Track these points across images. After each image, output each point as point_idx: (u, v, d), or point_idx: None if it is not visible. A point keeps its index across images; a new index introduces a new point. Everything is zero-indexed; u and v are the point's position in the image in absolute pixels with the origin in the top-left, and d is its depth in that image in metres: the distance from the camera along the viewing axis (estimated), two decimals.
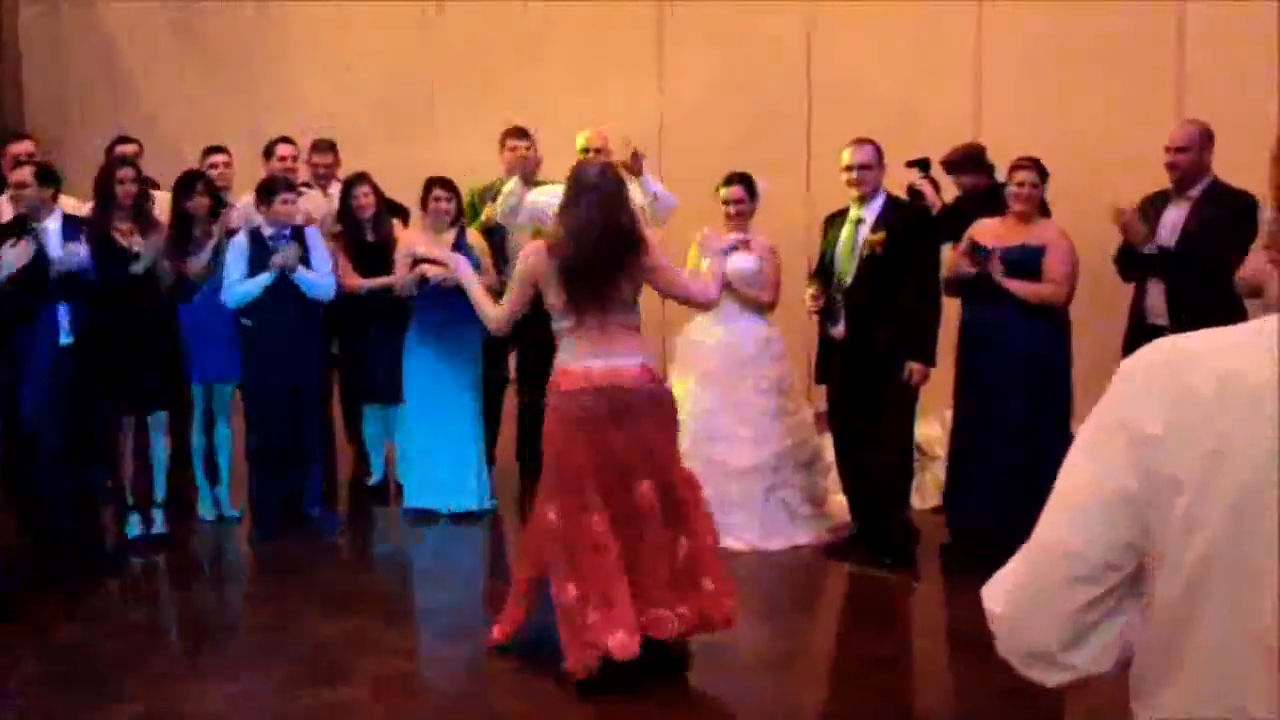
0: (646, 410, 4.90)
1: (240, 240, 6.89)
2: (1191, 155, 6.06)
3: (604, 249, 4.84)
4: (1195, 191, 6.08)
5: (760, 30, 9.28)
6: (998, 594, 1.80)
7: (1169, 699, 1.61)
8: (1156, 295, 6.10)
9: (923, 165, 6.77)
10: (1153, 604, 1.61)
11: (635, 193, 6.36)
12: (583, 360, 4.89)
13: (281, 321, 6.83)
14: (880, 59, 8.76)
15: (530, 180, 7.24)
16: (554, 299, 4.95)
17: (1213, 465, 1.51)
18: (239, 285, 6.80)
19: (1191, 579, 1.54)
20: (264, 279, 6.76)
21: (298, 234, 6.95)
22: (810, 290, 6.33)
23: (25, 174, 6.39)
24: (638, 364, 4.91)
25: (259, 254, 6.82)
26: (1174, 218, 6.10)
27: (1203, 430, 1.53)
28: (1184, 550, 1.54)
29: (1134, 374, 1.63)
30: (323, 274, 6.96)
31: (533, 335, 6.45)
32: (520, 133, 7.69)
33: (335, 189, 7.96)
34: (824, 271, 6.36)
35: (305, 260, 6.89)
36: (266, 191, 6.99)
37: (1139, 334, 6.14)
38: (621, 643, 4.76)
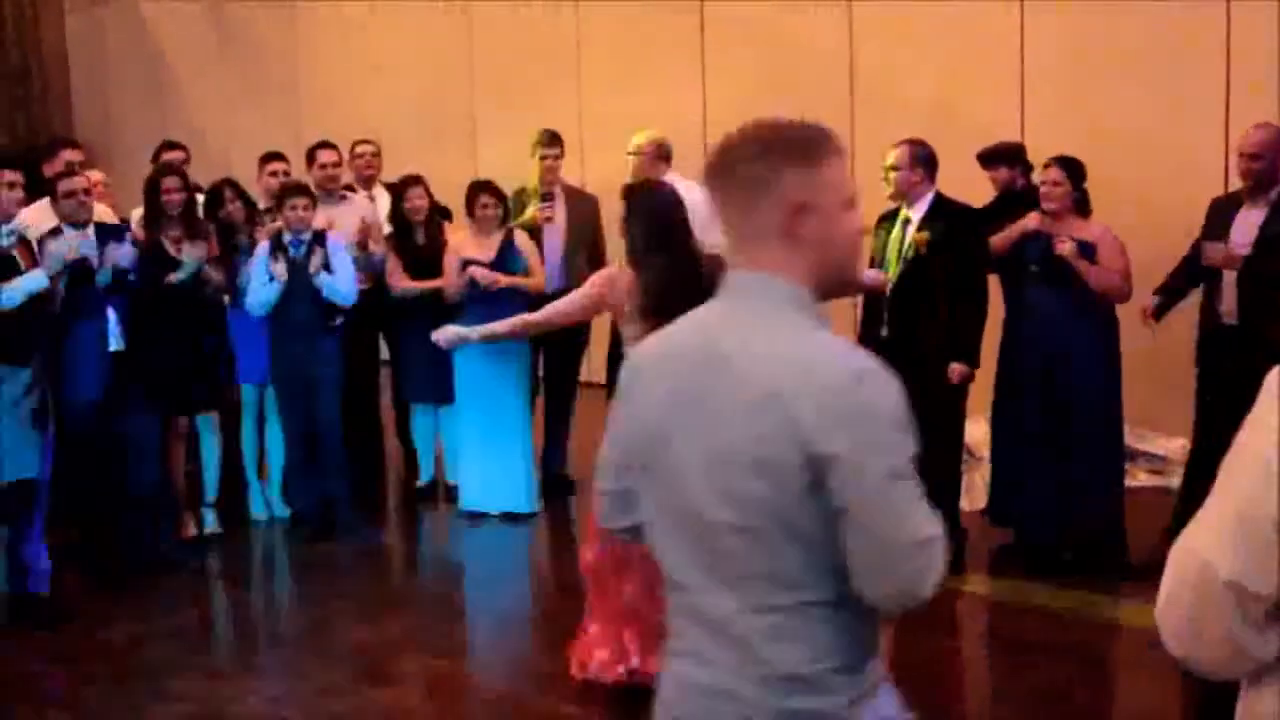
0: None
1: (261, 249, 6.94)
2: (1265, 162, 5.92)
3: (693, 280, 4.52)
4: (1274, 194, 5.95)
5: (802, 30, 9.25)
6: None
7: None
8: (1231, 295, 6.02)
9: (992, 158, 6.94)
10: None
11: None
12: None
13: (297, 323, 6.87)
14: (922, 58, 8.72)
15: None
16: (633, 328, 4.67)
17: None
18: (257, 292, 6.87)
19: None
20: (274, 287, 6.83)
21: (318, 239, 6.95)
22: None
23: (83, 181, 6.46)
24: None
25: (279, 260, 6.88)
26: (1252, 220, 5.98)
27: None
28: None
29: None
30: (343, 279, 6.95)
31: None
32: (552, 140, 7.61)
33: (378, 191, 7.97)
34: None
35: (326, 265, 6.87)
36: (280, 198, 7.01)
37: (1213, 334, 6.12)
38: (601, 662, 4.75)
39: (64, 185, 6.38)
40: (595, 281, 4.91)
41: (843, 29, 9.17)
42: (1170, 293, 6.41)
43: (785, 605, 2.00)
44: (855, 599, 1.99)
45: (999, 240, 6.31)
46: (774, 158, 2.05)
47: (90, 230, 6.38)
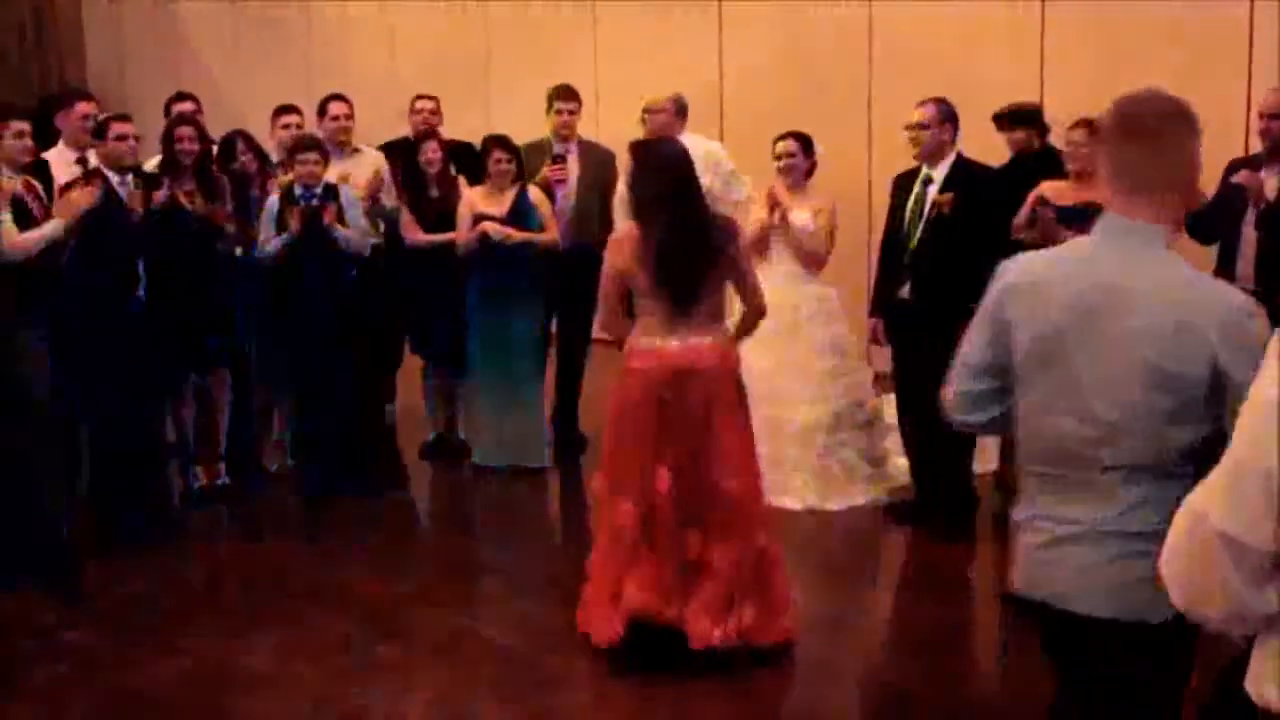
0: (713, 393, 4.68)
1: (272, 201, 6.92)
2: None
3: (701, 235, 4.66)
4: None
5: None
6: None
7: None
8: (1249, 260, 5.95)
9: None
10: None
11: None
12: (656, 339, 4.68)
13: (308, 275, 6.84)
14: (941, 23, 8.64)
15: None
16: (641, 282, 4.71)
17: None
18: (266, 245, 6.85)
19: None
20: (283, 239, 6.80)
21: (330, 192, 6.91)
22: None
23: (133, 127, 6.43)
24: (709, 342, 4.68)
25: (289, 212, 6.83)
26: (1271, 184, 5.94)
27: None
28: None
29: None
30: (355, 232, 6.93)
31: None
32: (568, 94, 7.57)
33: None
34: (892, 232, 6.28)
35: (340, 217, 6.86)
36: (291, 152, 6.99)
37: None
38: (603, 622, 4.82)
39: (117, 128, 6.35)
40: (607, 255, 4.88)
41: None
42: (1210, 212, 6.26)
43: (1151, 484, 2.48)
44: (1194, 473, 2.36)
45: (1018, 222, 6.23)
46: (1191, 124, 2.54)
47: (130, 177, 6.38)
